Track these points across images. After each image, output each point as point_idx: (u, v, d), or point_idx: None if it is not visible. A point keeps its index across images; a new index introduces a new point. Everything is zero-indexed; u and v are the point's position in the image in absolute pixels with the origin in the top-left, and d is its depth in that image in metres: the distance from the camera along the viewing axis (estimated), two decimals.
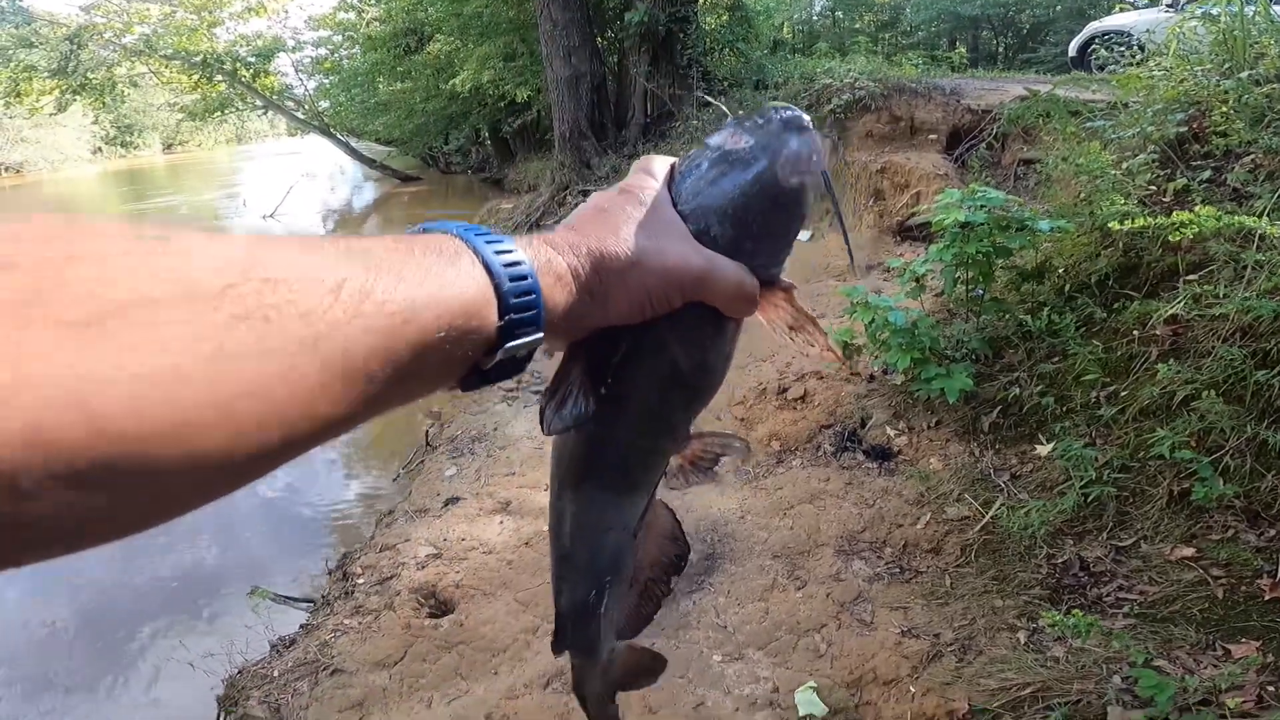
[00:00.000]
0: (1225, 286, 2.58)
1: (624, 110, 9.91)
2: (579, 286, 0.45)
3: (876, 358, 3.42)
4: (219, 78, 18.62)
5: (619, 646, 0.75)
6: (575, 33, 8.97)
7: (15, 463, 0.24)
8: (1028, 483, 2.79)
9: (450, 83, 11.43)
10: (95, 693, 3.37)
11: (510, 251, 0.42)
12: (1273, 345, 2.43)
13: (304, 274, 0.33)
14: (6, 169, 38.17)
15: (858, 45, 10.24)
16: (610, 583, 0.65)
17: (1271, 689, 1.84)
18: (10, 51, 19.01)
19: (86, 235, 0.29)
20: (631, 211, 0.49)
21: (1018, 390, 3.00)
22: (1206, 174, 3.00)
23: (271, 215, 15.15)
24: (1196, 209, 2.20)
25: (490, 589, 2.89)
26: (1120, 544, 2.47)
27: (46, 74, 19.01)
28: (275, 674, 2.72)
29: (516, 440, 3.97)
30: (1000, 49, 18.54)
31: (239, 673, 2.82)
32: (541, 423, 0.51)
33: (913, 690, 2.16)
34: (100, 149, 45.38)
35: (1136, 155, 3.22)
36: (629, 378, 0.52)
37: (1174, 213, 2.25)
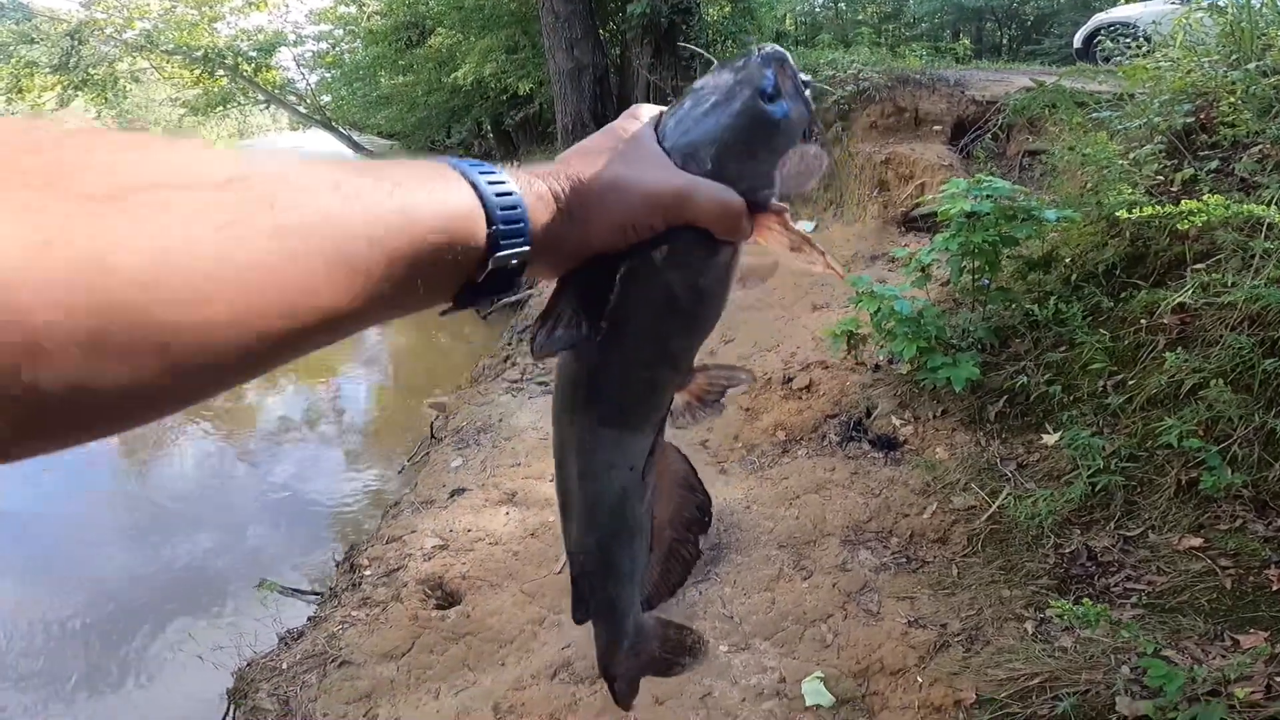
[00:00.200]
0: (1233, 275, 2.57)
1: (626, 102, 9.76)
2: (560, 208, 0.46)
3: (882, 347, 3.41)
4: (221, 72, 18.57)
5: (650, 621, 0.71)
6: (577, 25, 8.93)
7: (39, 322, 0.25)
8: (1035, 472, 2.78)
9: (452, 76, 11.40)
10: (105, 686, 3.39)
11: (494, 173, 0.44)
12: None
13: (304, 174, 0.35)
14: None
15: (861, 36, 10.20)
16: (621, 530, 0.63)
17: None
18: (11, 47, 18.97)
19: (103, 131, 0.31)
20: (613, 145, 0.50)
21: (1024, 379, 2.99)
22: (1214, 164, 2.99)
23: None
24: (1205, 198, 2.19)
25: (497, 580, 2.89)
26: (1128, 534, 2.47)
27: (48, 70, 18.97)
28: (284, 666, 2.73)
29: (521, 431, 3.97)
30: (1004, 41, 18.44)
31: (248, 665, 2.83)
32: (531, 346, 0.51)
33: (920, 680, 2.16)
34: None
35: (1143, 146, 3.21)
36: (623, 305, 0.51)
37: (1182, 202, 2.24)
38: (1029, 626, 2.26)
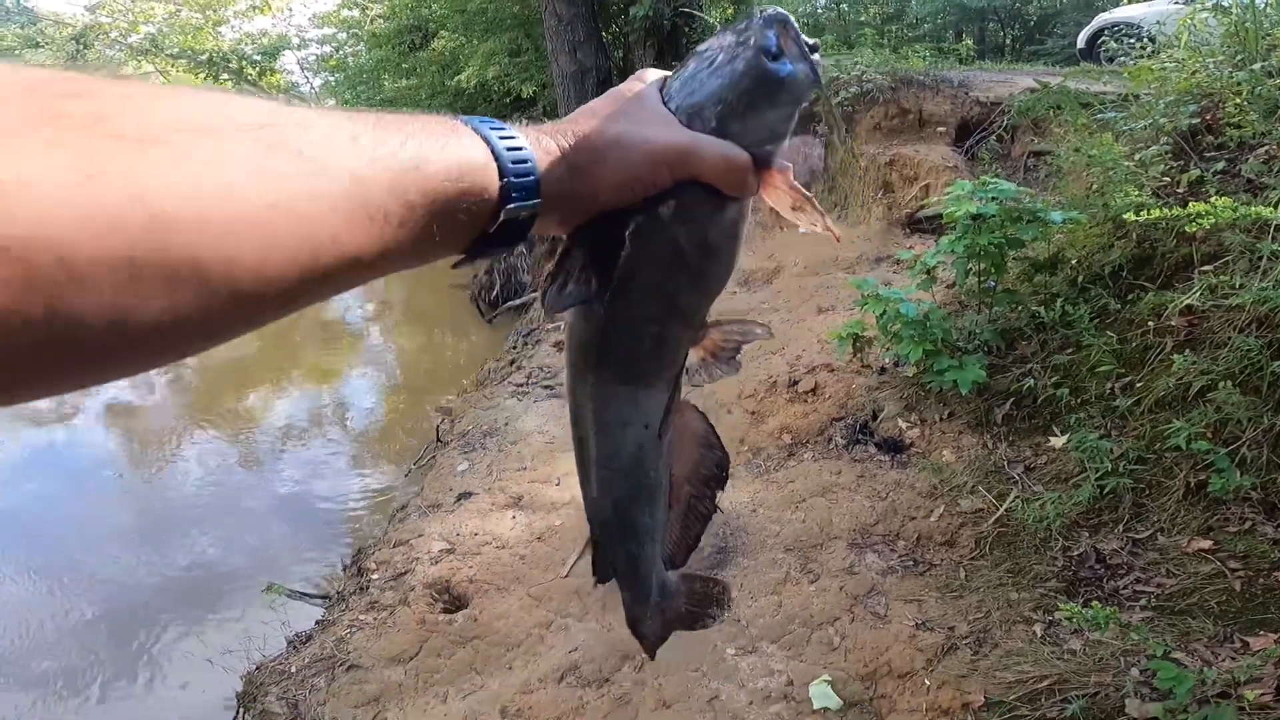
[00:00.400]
0: (1241, 277, 2.56)
1: None
2: (568, 163, 0.47)
3: (888, 350, 3.40)
4: (225, 76, 18.62)
5: (673, 577, 0.71)
6: (580, 27, 8.94)
7: (78, 249, 0.27)
8: (1042, 475, 2.78)
9: (455, 79, 11.41)
10: (114, 688, 3.41)
11: (504, 129, 0.46)
12: None
13: (326, 123, 0.37)
14: None
15: (864, 38, 10.19)
16: (640, 489, 0.63)
17: None
18: (16, 52, 19.05)
19: (137, 81, 0.33)
20: (617, 105, 0.52)
21: (1031, 382, 2.98)
22: (1220, 165, 2.98)
23: None
24: (1213, 200, 2.18)
25: (504, 584, 2.90)
26: (1137, 536, 2.47)
27: None
28: (293, 670, 2.74)
29: (527, 435, 3.97)
30: (1007, 41, 18.40)
31: (257, 669, 2.84)
32: (542, 303, 0.52)
33: (928, 683, 2.16)
34: None
35: (1149, 147, 3.20)
36: (632, 261, 0.52)
37: (1190, 204, 2.23)
38: (1037, 629, 2.26)
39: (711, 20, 9.58)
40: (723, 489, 0.68)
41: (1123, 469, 2.56)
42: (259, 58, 18.85)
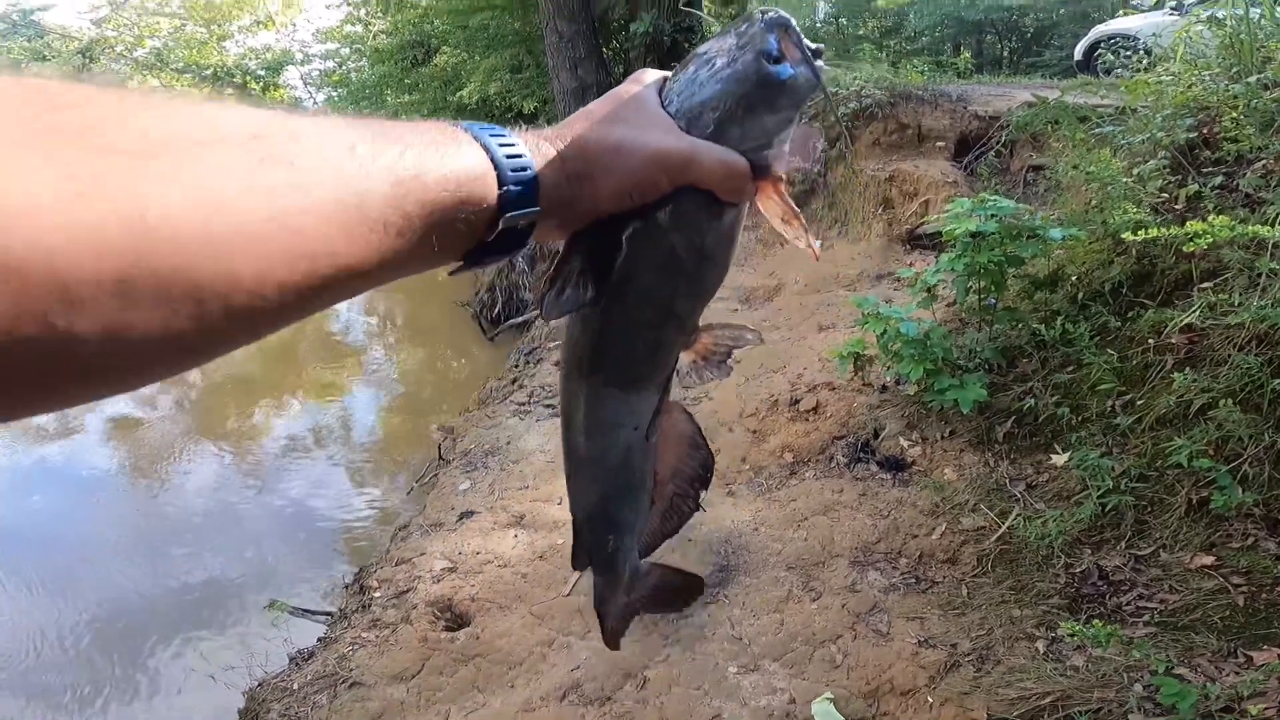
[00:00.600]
0: (1240, 294, 2.57)
1: None
2: (567, 170, 0.47)
3: (889, 368, 3.41)
4: (229, 91, 18.78)
5: (645, 564, 0.73)
6: (581, 44, 9.01)
7: (72, 267, 0.26)
8: (1044, 492, 2.78)
9: (457, 95, 11.48)
10: (116, 704, 3.40)
11: (504, 135, 0.45)
12: None
13: (321, 133, 0.37)
14: None
15: (863, 52, 10.26)
16: (624, 487, 0.64)
17: None
18: (23, 64, 19.18)
19: (132, 91, 0.32)
20: (616, 109, 0.51)
21: (1032, 401, 2.99)
22: (1218, 180, 2.99)
23: None
24: (1211, 218, 2.19)
25: (506, 602, 2.90)
26: (1139, 553, 2.47)
27: None
28: (295, 686, 2.74)
29: (529, 454, 3.98)
30: (1005, 53, 18.50)
31: (259, 685, 2.84)
32: (540, 308, 0.52)
33: (930, 700, 2.16)
34: None
35: (1147, 161, 3.21)
36: (629, 266, 0.52)
37: (1188, 222, 2.24)
38: (1040, 646, 2.26)
39: (712, 34, 9.64)
40: (706, 488, 0.70)
41: (1124, 486, 2.56)
42: (263, 72, 19.01)
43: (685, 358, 0.62)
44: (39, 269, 0.26)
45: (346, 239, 0.35)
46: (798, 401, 3.75)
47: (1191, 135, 3.17)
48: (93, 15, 18.99)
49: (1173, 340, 2.72)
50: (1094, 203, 3.30)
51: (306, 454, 5.78)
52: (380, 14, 15.82)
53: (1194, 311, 2.65)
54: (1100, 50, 8.14)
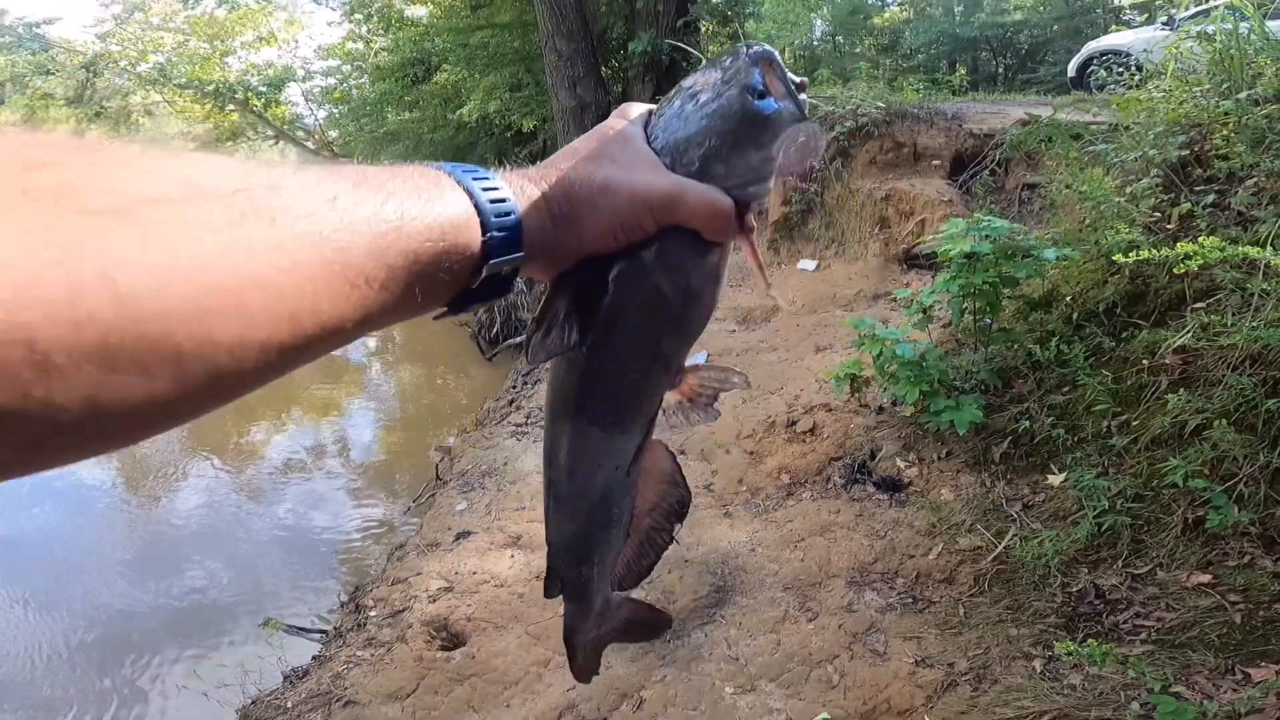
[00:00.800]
0: (1233, 315, 2.58)
1: None
2: (551, 212, 0.46)
3: (885, 390, 3.42)
4: (231, 107, 18.88)
5: (617, 597, 0.73)
6: (580, 63, 9.08)
7: (50, 337, 0.26)
8: (1040, 512, 2.78)
9: (458, 112, 11.56)
10: None
11: (488, 178, 0.45)
12: None
13: (302, 187, 0.36)
14: None
15: (859, 71, 10.35)
16: (602, 522, 0.64)
17: None
18: (27, 78, 19.24)
19: (108, 145, 0.32)
20: (601, 147, 0.51)
21: (1028, 422, 2.99)
22: (1211, 198, 3.00)
23: None
24: (1201, 239, 2.21)
25: (502, 622, 2.89)
26: (1136, 571, 2.47)
27: (63, 102, 19.26)
28: (289, 705, 2.73)
29: (526, 475, 3.98)
30: (1000, 70, 18.66)
31: (252, 703, 2.84)
32: (526, 352, 0.52)
33: (927, 719, 2.15)
34: None
35: (1139, 179, 3.22)
36: (615, 306, 0.52)
37: (1178, 242, 2.26)
38: (1037, 665, 2.26)
39: (709, 55, 9.72)
40: (681, 523, 0.70)
41: (1120, 506, 2.56)
42: (264, 89, 19.07)
43: (671, 397, 0.61)
44: (17, 340, 0.25)
45: (330, 295, 0.35)
46: (795, 423, 3.76)
47: (1183, 153, 3.18)
48: (97, 29, 19.12)
49: (1167, 361, 2.73)
50: (1087, 222, 3.31)
51: (304, 472, 5.78)
52: (381, 31, 15.94)
53: (1187, 333, 2.66)
54: (1093, 67, 8.20)
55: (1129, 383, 2.82)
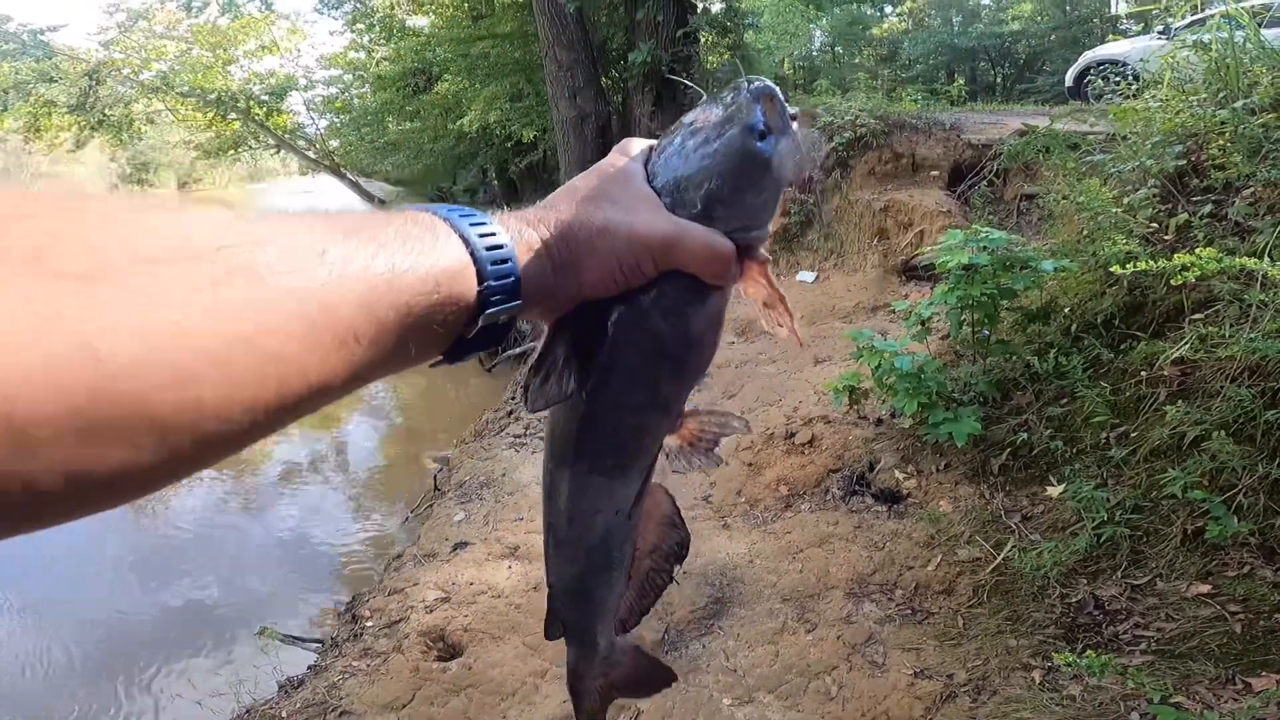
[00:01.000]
0: (1230, 326, 2.58)
1: None
2: (550, 257, 0.45)
3: (884, 402, 3.41)
4: (233, 115, 18.93)
5: (623, 645, 0.72)
6: (580, 74, 9.13)
7: (27, 410, 0.25)
8: (1039, 524, 2.78)
9: (458, 122, 11.61)
10: None
11: (484, 224, 0.43)
12: None
13: (290, 241, 0.35)
14: None
15: (858, 81, 10.40)
16: (602, 566, 0.63)
17: None
18: (31, 85, 19.26)
19: (89, 201, 0.30)
20: (602, 186, 0.50)
21: (1026, 434, 2.99)
22: (1208, 208, 3.00)
23: None
24: (1197, 251, 2.21)
25: (499, 633, 2.88)
26: (1135, 582, 2.46)
27: (66, 109, 19.30)
28: (284, 715, 2.71)
29: (524, 486, 3.97)
30: (998, 80, 18.76)
31: (247, 712, 2.82)
32: (524, 400, 0.51)
33: None
34: (117, 186, 45.75)
35: (1137, 190, 3.22)
36: (614, 351, 0.51)
37: (1175, 254, 2.26)
38: (1036, 676, 2.25)
39: (708, 65, 9.76)
40: (681, 565, 0.70)
41: (1119, 517, 2.55)
42: (266, 98, 19.13)
43: (672, 440, 0.61)
44: None
45: (318, 354, 0.34)
46: (793, 434, 3.76)
47: (1180, 163, 3.17)
48: (101, 37, 19.18)
49: (1165, 372, 2.73)
50: (1085, 233, 3.31)
51: (302, 482, 5.77)
52: (383, 41, 16.04)
53: (1185, 344, 2.66)
54: (1090, 76, 8.23)
55: (1127, 394, 2.82)
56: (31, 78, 19.33)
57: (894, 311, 4.30)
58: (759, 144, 0.50)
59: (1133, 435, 2.73)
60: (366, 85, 17.15)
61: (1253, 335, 2.46)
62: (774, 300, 0.56)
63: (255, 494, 5.60)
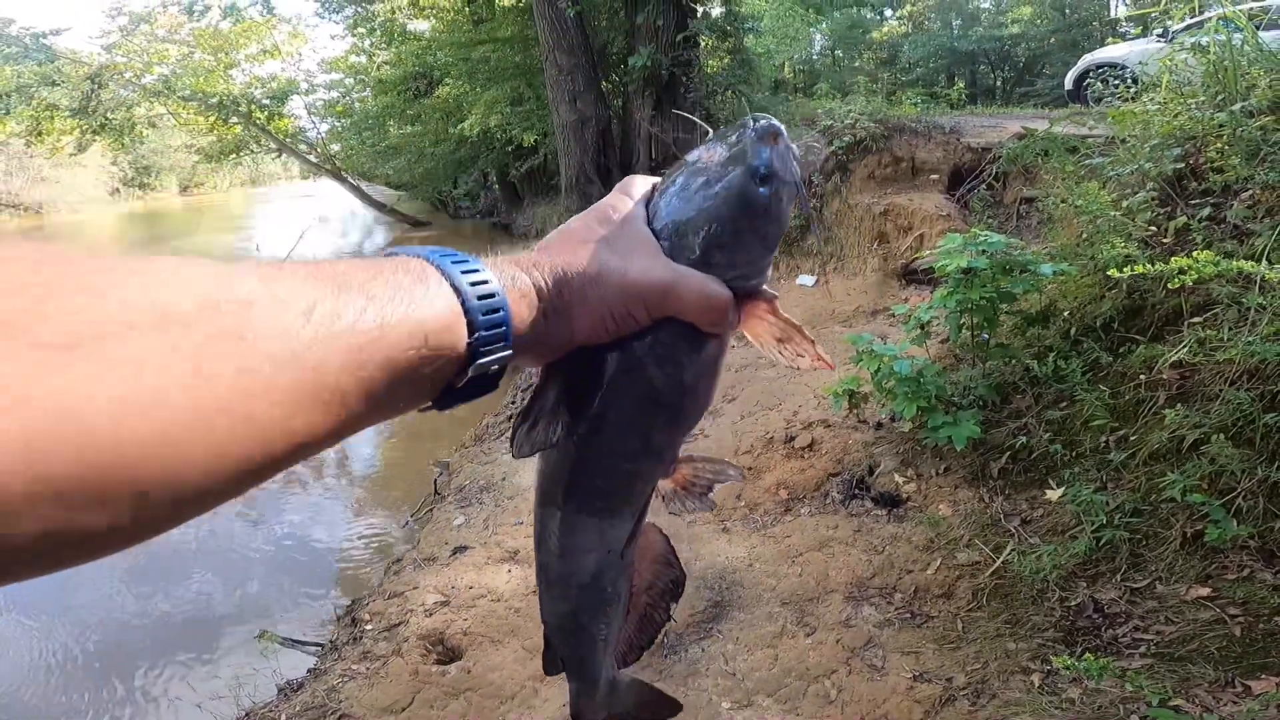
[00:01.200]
0: (1229, 329, 2.58)
1: (629, 154, 10.05)
2: (544, 304, 0.45)
3: (883, 406, 3.41)
4: (235, 119, 18.98)
5: (625, 679, 0.72)
6: (580, 78, 9.15)
7: (3, 482, 0.25)
8: (1039, 527, 2.78)
9: (459, 126, 11.64)
10: None
11: (476, 271, 0.43)
12: None
13: (275, 297, 0.34)
14: (26, 209, 38.33)
15: (858, 85, 10.42)
16: (595, 604, 0.63)
17: None
18: (33, 89, 19.31)
19: (65, 262, 0.29)
20: (599, 230, 0.49)
21: (1026, 437, 2.99)
22: (1206, 211, 3.00)
23: (286, 259, 15.33)
24: (1195, 254, 2.21)
25: (498, 636, 2.87)
26: (1135, 585, 2.46)
27: (68, 113, 19.35)
28: (283, 717, 2.71)
29: (524, 490, 3.97)
30: (997, 83, 18.79)
31: (246, 716, 2.82)
32: (511, 444, 0.50)
33: None
34: (118, 190, 45.77)
35: (1135, 193, 3.22)
36: (606, 398, 0.50)
37: (1173, 257, 2.26)
38: (1036, 679, 2.24)
39: (709, 70, 9.78)
40: (677, 602, 0.70)
41: (1119, 521, 2.55)
42: (268, 102, 19.18)
43: (666, 485, 0.60)
44: None
45: (304, 417, 0.34)
46: (793, 438, 3.76)
47: (1178, 166, 3.17)
48: (103, 41, 19.26)
49: (1164, 376, 2.73)
50: (1084, 236, 3.32)
51: (302, 485, 5.77)
52: (384, 45, 16.09)
53: (1184, 347, 2.66)
54: (1090, 79, 8.24)
55: (1127, 398, 2.82)
56: (34, 81, 19.39)
57: (894, 315, 4.31)
58: (761, 189, 0.50)
59: (1132, 438, 2.73)
60: (368, 89, 17.20)
61: (1251, 338, 2.46)
62: (789, 333, 0.55)
63: (254, 497, 5.59)
